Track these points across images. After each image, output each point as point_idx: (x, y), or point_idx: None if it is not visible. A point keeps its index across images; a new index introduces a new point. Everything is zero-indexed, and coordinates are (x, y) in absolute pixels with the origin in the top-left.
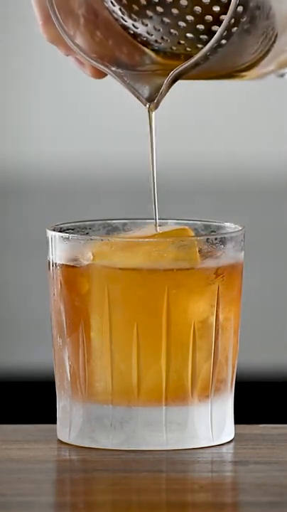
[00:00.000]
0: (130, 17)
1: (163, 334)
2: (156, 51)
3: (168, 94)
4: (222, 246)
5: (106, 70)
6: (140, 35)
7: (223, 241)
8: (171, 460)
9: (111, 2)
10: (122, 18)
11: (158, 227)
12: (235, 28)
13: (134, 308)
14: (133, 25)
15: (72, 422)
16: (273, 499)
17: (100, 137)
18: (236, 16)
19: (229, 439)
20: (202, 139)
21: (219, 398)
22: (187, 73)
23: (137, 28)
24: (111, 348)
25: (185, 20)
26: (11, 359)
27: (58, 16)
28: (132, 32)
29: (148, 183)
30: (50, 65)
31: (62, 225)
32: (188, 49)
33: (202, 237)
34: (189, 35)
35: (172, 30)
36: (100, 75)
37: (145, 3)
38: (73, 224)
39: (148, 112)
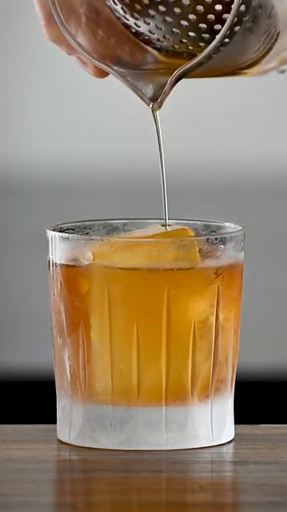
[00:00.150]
0: (132, 16)
1: (163, 334)
2: (158, 50)
3: (171, 95)
4: (222, 246)
5: (109, 69)
6: (142, 33)
7: (223, 241)
8: (171, 460)
9: (113, 1)
10: (124, 17)
11: (159, 227)
12: (238, 27)
13: (134, 308)
14: (135, 23)
15: (72, 422)
16: (273, 499)
17: (100, 137)
18: (239, 14)
19: (229, 439)
20: (202, 139)
21: (219, 398)
22: (190, 72)
23: (139, 26)
24: (111, 348)
25: (187, 19)
26: (11, 359)
27: (60, 14)
28: (134, 30)
29: (149, 183)
30: (50, 65)
31: (62, 225)
32: (190, 47)
33: (202, 237)
34: (191, 33)
35: (174, 29)
36: (102, 74)
37: (147, 2)
38: (73, 224)
39: (152, 111)
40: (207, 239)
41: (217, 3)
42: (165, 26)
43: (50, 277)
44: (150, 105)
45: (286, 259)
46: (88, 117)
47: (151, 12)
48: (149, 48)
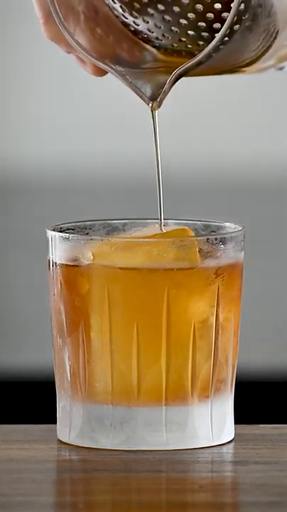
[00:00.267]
0: (131, 14)
1: (163, 334)
2: (157, 48)
3: (168, 94)
4: (222, 246)
5: (108, 68)
6: (141, 32)
7: (223, 241)
8: (171, 460)
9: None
10: (123, 16)
11: (156, 228)
12: (237, 26)
13: (134, 308)
14: (133, 22)
15: (72, 422)
16: (273, 499)
17: (100, 137)
18: (239, 13)
19: (229, 439)
20: (202, 139)
21: (219, 398)
22: (190, 71)
23: (138, 25)
24: (111, 348)
25: (187, 18)
26: (12, 359)
27: (59, 13)
28: (133, 29)
29: (149, 183)
30: (50, 65)
31: (62, 225)
32: (189, 46)
33: (202, 237)
34: (190, 32)
35: (173, 28)
36: (101, 72)
37: (146, 1)
38: (73, 224)
39: (151, 111)
40: (207, 239)
41: (217, 2)
42: (164, 25)
43: (50, 277)
44: (150, 104)
45: (286, 259)
46: (88, 117)
47: (150, 10)
48: (148, 46)
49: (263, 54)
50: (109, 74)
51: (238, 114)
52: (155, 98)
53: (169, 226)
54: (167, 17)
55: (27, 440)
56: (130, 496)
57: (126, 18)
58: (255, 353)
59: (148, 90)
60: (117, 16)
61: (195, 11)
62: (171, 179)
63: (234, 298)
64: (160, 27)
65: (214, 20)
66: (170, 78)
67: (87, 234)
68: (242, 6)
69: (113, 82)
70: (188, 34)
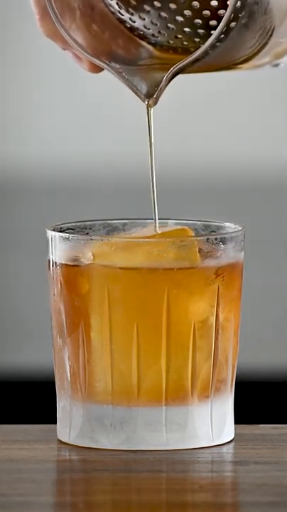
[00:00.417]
0: (127, 11)
1: (163, 334)
2: (153, 45)
3: (168, 93)
4: (222, 246)
5: (104, 65)
6: (137, 28)
7: (223, 241)
8: (171, 460)
9: None
10: (119, 12)
11: (157, 228)
12: (234, 23)
13: (134, 308)
14: (130, 19)
15: (72, 422)
16: (273, 499)
17: (100, 137)
18: (235, 11)
19: (229, 439)
20: (202, 139)
21: (219, 398)
22: (186, 69)
23: (134, 22)
24: (111, 348)
25: (183, 15)
26: (11, 359)
27: (55, 9)
28: (129, 26)
29: (149, 183)
30: (50, 65)
31: (62, 225)
32: (185, 43)
33: (202, 237)
34: (186, 29)
35: (169, 25)
36: (97, 69)
37: None
38: (73, 224)
39: (147, 108)
40: (207, 239)
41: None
42: (160, 22)
43: (50, 277)
44: (146, 101)
45: (286, 259)
46: (88, 117)
47: (146, 7)
48: (144, 43)
49: (259, 51)
50: (104, 70)
51: (238, 114)
52: (151, 95)
53: (169, 226)
54: (163, 14)
55: (27, 440)
56: (130, 496)
57: (122, 15)
58: (255, 353)
59: (144, 87)
60: (113, 13)
61: (191, 8)
62: (171, 179)
63: (234, 298)
64: (156, 24)
65: (211, 18)
66: (166, 75)
67: (87, 234)
68: (239, 3)
69: (113, 83)
70: (184, 31)
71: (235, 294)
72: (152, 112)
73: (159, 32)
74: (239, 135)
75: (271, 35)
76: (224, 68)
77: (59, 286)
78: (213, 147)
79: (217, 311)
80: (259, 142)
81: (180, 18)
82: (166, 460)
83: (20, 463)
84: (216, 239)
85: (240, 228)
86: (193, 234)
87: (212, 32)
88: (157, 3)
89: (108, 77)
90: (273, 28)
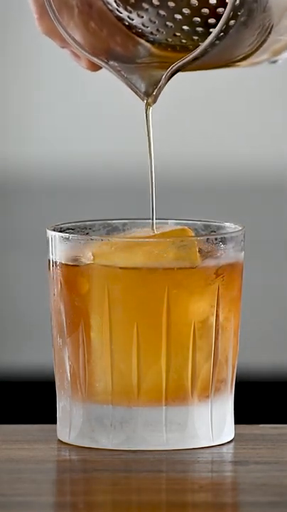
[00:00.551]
0: (125, 9)
1: (163, 334)
2: (151, 42)
3: (168, 92)
4: (222, 246)
5: (102, 63)
6: (135, 26)
7: (223, 241)
8: (171, 460)
9: None
10: (117, 10)
11: (156, 228)
12: (233, 21)
13: (134, 308)
14: (128, 16)
15: (72, 422)
16: (273, 499)
17: (100, 137)
18: (235, 9)
19: (229, 439)
20: (202, 139)
21: (219, 398)
22: (185, 67)
23: (132, 19)
24: (111, 348)
25: (181, 13)
26: (11, 359)
27: (53, 7)
28: (127, 23)
29: (149, 183)
30: (50, 65)
31: (62, 225)
32: (184, 41)
33: (202, 237)
34: (185, 27)
35: (168, 23)
36: (95, 67)
37: None
38: (73, 224)
39: (146, 106)
40: (207, 239)
41: None
42: (158, 20)
43: (50, 277)
44: (145, 100)
45: (286, 259)
46: (88, 117)
47: (145, 5)
48: (142, 41)
49: (257, 48)
50: (103, 69)
51: (238, 113)
52: (150, 93)
53: (169, 226)
54: (162, 12)
55: (27, 440)
56: (130, 496)
57: (121, 13)
58: (255, 353)
59: (142, 86)
60: (111, 11)
61: (190, 6)
62: (171, 179)
63: (234, 298)
64: (154, 22)
65: (209, 16)
66: (165, 73)
67: (87, 234)
68: (238, 1)
69: (113, 82)
70: (183, 29)
71: (235, 294)
72: (151, 111)
73: (157, 30)
74: (239, 135)
75: (269, 33)
76: (223, 66)
77: (59, 286)
78: (213, 147)
79: (217, 311)
80: (259, 142)
81: (178, 16)
82: (166, 460)
83: (20, 463)
84: (216, 239)
85: (240, 228)
86: (193, 234)
87: (211, 30)
88: (155, 1)
89: (108, 77)
90: (272, 26)
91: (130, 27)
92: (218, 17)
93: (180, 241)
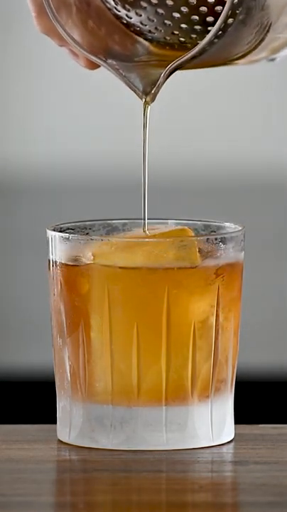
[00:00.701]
0: (123, 7)
1: (163, 334)
2: (149, 41)
3: (168, 91)
4: (222, 246)
5: (100, 62)
6: (133, 25)
7: (223, 241)
8: (171, 460)
9: None
10: (115, 8)
11: (154, 228)
12: (231, 20)
13: (134, 309)
14: (126, 15)
15: (72, 422)
16: (273, 499)
17: (100, 137)
18: (233, 7)
19: (229, 439)
20: (202, 139)
21: (219, 398)
22: (183, 65)
23: (130, 18)
24: (111, 348)
25: (180, 12)
26: (11, 359)
27: (52, 6)
28: (125, 22)
29: (149, 183)
30: (50, 66)
31: (62, 225)
32: (182, 39)
33: (202, 237)
34: (183, 25)
35: (166, 21)
36: (94, 66)
37: None
38: (73, 224)
39: (144, 105)
40: (207, 239)
41: None
42: (157, 18)
43: (50, 277)
44: (143, 98)
45: (286, 259)
46: (88, 117)
47: (143, 4)
48: (140, 39)
49: (256, 47)
50: (101, 67)
51: (238, 113)
52: (149, 92)
53: (169, 226)
54: (160, 10)
55: (27, 440)
56: (130, 496)
57: (119, 11)
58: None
59: (140, 84)
60: (109, 9)
61: (188, 4)
62: (171, 179)
63: (234, 298)
64: (153, 20)
65: (208, 14)
66: (164, 72)
67: (87, 234)
68: None
69: (113, 82)
70: (181, 27)
71: (235, 294)
72: (149, 110)
73: (156, 28)
74: (240, 135)
75: (267, 31)
76: (221, 64)
77: (59, 286)
78: (213, 147)
79: (217, 311)
80: (260, 142)
81: (176, 15)
82: (166, 460)
83: (20, 463)
84: (216, 239)
85: (240, 228)
86: (193, 234)
87: (209, 28)
88: (154, 0)
89: (108, 77)
90: (270, 24)
91: (128, 25)
92: (216, 15)
93: (180, 241)
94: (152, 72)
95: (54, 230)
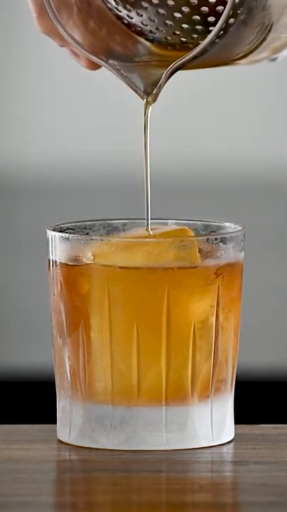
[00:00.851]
0: (124, 7)
1: (163, 334)
2: (151, 41)
3: (168, 91)
4: (222, 246)
5: (101, 62)
6: (134, 25)
7: (223, 241)
8: (171, 460)
9: None
10: (116, 9)
11: (153, 228)
12: (232, 20)
13: (134, 309)
14: (127, 15)
15: (72, 422)
16: (273, 499)
17: (100, 137)
18: (234, 7)
19: (229, 439)
20: (202, 139)
21: (219, 398)
22: (185, 66)
23: (131, 18)
24: (111, 348)
25: (181, 12)
26: (11, 359)
27: (53, 6)
28: (126, 22)
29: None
30: (50, 66)
31: (62, 225)
32: (183, 39)
33: (202, 237)
34: (184, 25)
35: (167, 21)
36: (95, 66)
37: None
38: (73, 224)
39: (145, 105)
40: (207, 239)
41: None
42: (158, 18)
43: (50, 277)
44: (145, 99)
45: (286, 259)
46: (88, 117)
47: (144, 4)
48: (141, 39)
49: (257, 46)
50: (103, 67)
51: (239, 113)
52: (150, 92)
53: (169, 226)
54: (161, 10)
55: (27, 440)
56: (130, 496)
57: (120, 11)
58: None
59: (142, 84)
60: (110, 9)
61: (189, 4)
62: (171, 179)
63: (234, 298)
64: (154, 20)
65: (209, 14)
66: (165, 72)
67: (87, 234)
68: None
69: (113, 82)
70: (182, 27)
71: (235, 294)
72: (150, 110)
73: (157, 28)
74: (240, 135)
75: (269, 31)
76: (223, 64)
77: (59, 286)
78: (213, 147)
79: (217, 311)
80: (259, 142)
81: (178, 15)
82: (166, 460)
83: (20, 463)
84: (216, 239)
85: (240, 228)
86: (193, 234)
87: (211, 28)
88: (155, 0)
89: (108, 77)
90: (272, 24)
91: (129, 25)
92: (217, 15)
93: (180, 241)
94: (153, 72)
95: (54, 230)
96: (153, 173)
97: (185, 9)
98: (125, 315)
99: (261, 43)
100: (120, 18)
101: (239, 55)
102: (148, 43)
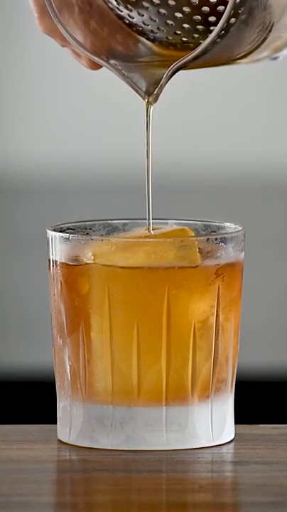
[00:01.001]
0: (126, 7)
1: (163, 334)
2: (152, 41)
3: (169, 91)
4: (223, 246)
5: (103, 62)
6: (135, 25)
7: (223, 241)
8: (171, 460)
9: None
10: (117, 8)
11: (154, 228)
12: (233, 19)
13: (134, 309)
14: (128, 15)
15: (72, 422)
16: (273, 499)
17: (100, 137)
18: (235, 7)
19: (229, 439)
20: (202, 139)
21: (220, 398)
22: (186, 66)
23: (133, 18)
24: (111, 348)
25: (182, 11)
26: (11, 359)
27: (54, 6)
28: (127, 22)
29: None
30: (50, 66)
31: (62, 225)
32: (184, 39)
33: (202, 237)
34: (185, 25)
35: (168, 21)
36: (96, 66)
37: None
38: (73, 224)
39: (147, 105)
40: (207, 239)
41: None
42: (159, 18)
43: (50, 277)
44: (146, 99)
45: (286, 259)
46: (88, 117)
47: (145, 4)
48: (143, 39)
49: (258, 46)
50: (104, 67)
51: (239, 114)
52: (151, 92)
53: (169, 226)
54: (162, 10)
55: (27, 440)
56: (130, 495)
57: (121, 11)
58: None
59: (143, 84)
60: (112, 9)
61: (190, 4)
62: (172, 179)
63: (234, 298)
64: (155, 20)
65: (210, 14)
66: (167, 72)
67: (87, 234)
68: None
69: (114, 82)
70: (183, 27)
71: (235, 294)
72: (151, 110)
73: (158, 28)
74: (240, 135)
75: (270, 31)
76: (224, 63)
77: (59, 286)
78: (214, 147)
79: (217, 311)
80: (260, 142)
81: (179, 15)
82: (166, 460)
83: (20, 463)
84: (216, 239)
85: (240, 228)
86: (193, 234)
87: (212, 28)
88: (156, 0)
89: (109, 77)
90: (273, 24)
91: (130, 25)
92: (218, 15)
93: (180, 241)
94: (155, 72)
95: (54, 230)
96: (153, 173)
97: (186, 9)
98: (125, 315)
99: (262, 43)
100: (121, 17)
101: (240, 55)
102: (149, 43)
